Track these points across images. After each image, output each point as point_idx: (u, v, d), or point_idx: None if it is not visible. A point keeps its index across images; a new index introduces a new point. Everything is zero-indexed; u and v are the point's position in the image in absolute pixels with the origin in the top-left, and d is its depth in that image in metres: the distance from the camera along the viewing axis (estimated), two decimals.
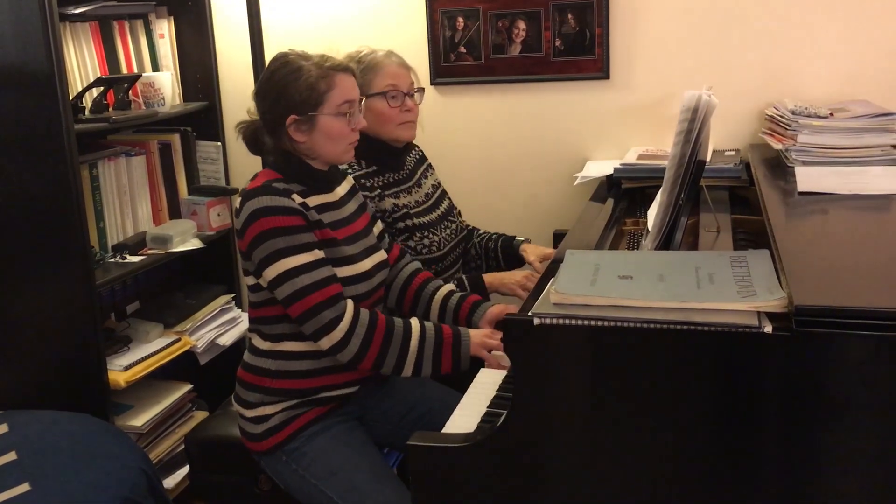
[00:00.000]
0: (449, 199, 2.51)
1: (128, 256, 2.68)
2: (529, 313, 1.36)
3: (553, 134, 2.81)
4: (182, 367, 2.90)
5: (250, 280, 1.90)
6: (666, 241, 1.71)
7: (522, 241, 2.42)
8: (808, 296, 1.26)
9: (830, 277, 1.39)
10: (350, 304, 1.82)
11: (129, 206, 2.78)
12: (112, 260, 2.67)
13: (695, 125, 1.67)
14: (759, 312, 1.30)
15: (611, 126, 2.76)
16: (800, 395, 1.28)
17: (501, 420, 1.42)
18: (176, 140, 2.98)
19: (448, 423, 1.62)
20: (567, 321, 1.35)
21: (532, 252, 2.36)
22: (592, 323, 1.34)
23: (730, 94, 2.64)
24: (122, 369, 2.56)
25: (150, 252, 2.75)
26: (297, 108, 1.86)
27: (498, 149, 2.88)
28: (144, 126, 2.91)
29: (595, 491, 1.40)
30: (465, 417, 1.63)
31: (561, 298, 1.38)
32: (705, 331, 1.29)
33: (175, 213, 2.99)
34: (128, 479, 2.06)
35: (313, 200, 1.90)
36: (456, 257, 2.41)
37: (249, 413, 1.94)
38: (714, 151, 2.65)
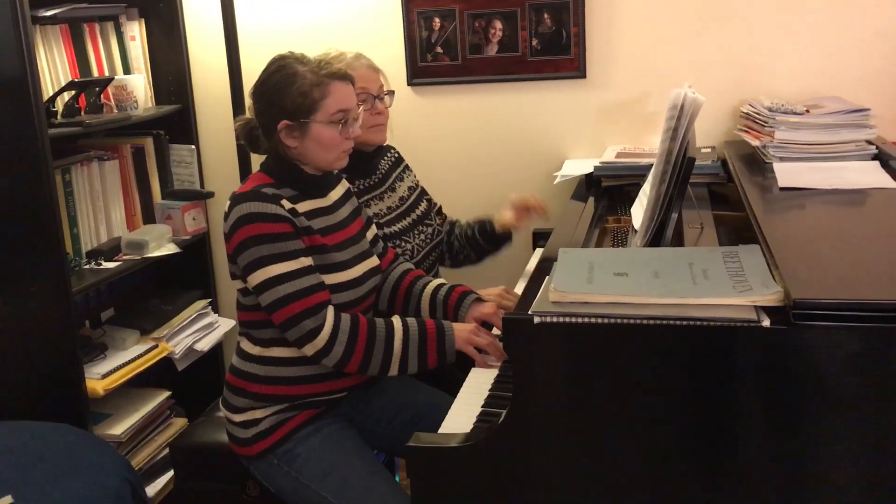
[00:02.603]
0: (427, 200, 2.49)
1: (103, 263, 2.65)
2: (529, 311, 1.36)
3: (531, 133, 2.82)
4: (159, 373, 2.87)
5: (238, 283, 1.88)
6: (655, 238, 1.72)
7: (488, 219, 2.42)
8: (804, 289, 1.28)
9: (822, 271, 1.41)
10: (331, 311, 1.81)
11: (102, 212, 2.74)
12: (87, 266, 2.63)
13: (681, 122, 1.68)
14: (755, 307, 1.32)
15: (588, 125, 2.77)
16: (798, 388, 1.29)
17: (501, 419, 1.42)
18: (149, 143, 2.94)
19: (444, 424, 1.61)
20: (567, 319, 1.35)
21: (508, 214, 2.38)
22: (592, 320, 1.34)
23: (705, 91, 2.61)
24: (99, 377, 2.52)
25: (125, 258, 2.71)
26: (289, 113, 1.84)
27: (476, 149, 2.88)
28: (117, 130, 2.87)
29: (596, 488, 1.40)
30: (461, 418, 1.62)
31: (560, 297, 1.39)
32: (704, 326, 1.30)
33: (149, 218, 2.95)
34: (112, 488, 2.03)
35: (304, 206, 1.88)
36: (432, 261, 2.40)
37: (238, 418, 1.92)
38: None
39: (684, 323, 1.31)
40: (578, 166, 2.64)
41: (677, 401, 1.35)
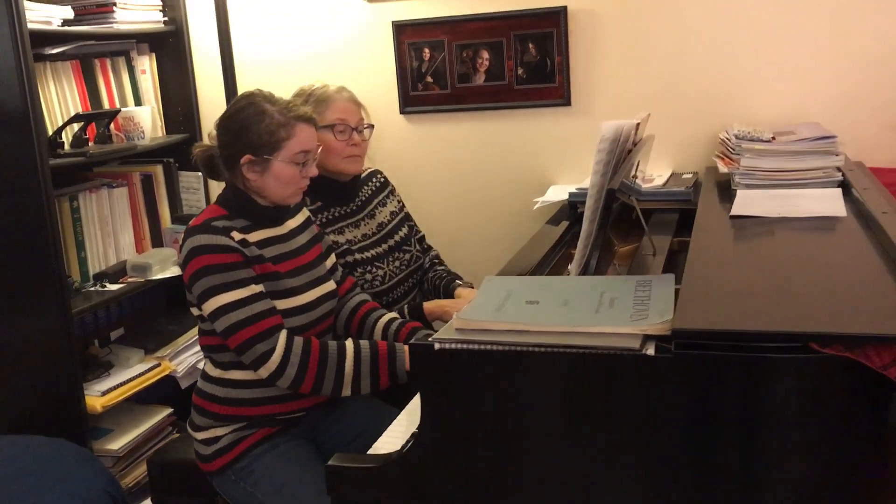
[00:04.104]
0: (409, 225, 2.56)
1: (107, 285, 2.78)
2: (430, 339, 1.42)
3: (518, 159, 2.88)
4: (165, 391, 2.99)
5: (195, 311, 1.98)
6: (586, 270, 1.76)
7: (460, 285, 2.46)
8: (686, 319, 1.31)
9: (718, 301, 1.43)
10: (283, 334, 1.89)
11: (111, 236, 2.89)
12: (93, 288, 2.77)
13: (612, 156, 1.73)
14: (645, 335, 1.36)
15: (573, 151, 2.82)
16: (681, 415, 1.32)
17: (409, 443, 1.48)
18: (158, 171, 3.08)
19: (375, 444, 1.68)
20: (465, 346, 1.41)
21: (465, 296, 2.39)
22: (488, 347, 1.40)
23: (687, 117, 2.70)
24: (99, 395, 2.65)
25: (130, 280, 2.85)
26: (254, 149, 1.93)
27: (465, 174, 2.96)
28: (130, 158, 3.02)
29: None
30: (393, 438, 1.69)
31: (463, 324, 1.45)
32: (589, 353, 1.34)
33: (157, 242, 3.09)
34: (90, 501, 2.14)
35: (256, 235, 1.97)
36: (409, 287, 2.46)
37: (200, 435, 2.02)
38: (672, 174, 2.70)
39: (571, 351, 1.35)
40: (560, 192, 2.69)
41: (566, 427, 1.39)
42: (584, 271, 1.72)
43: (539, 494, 1.42)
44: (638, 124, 1.95)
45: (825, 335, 1.24)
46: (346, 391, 1.93)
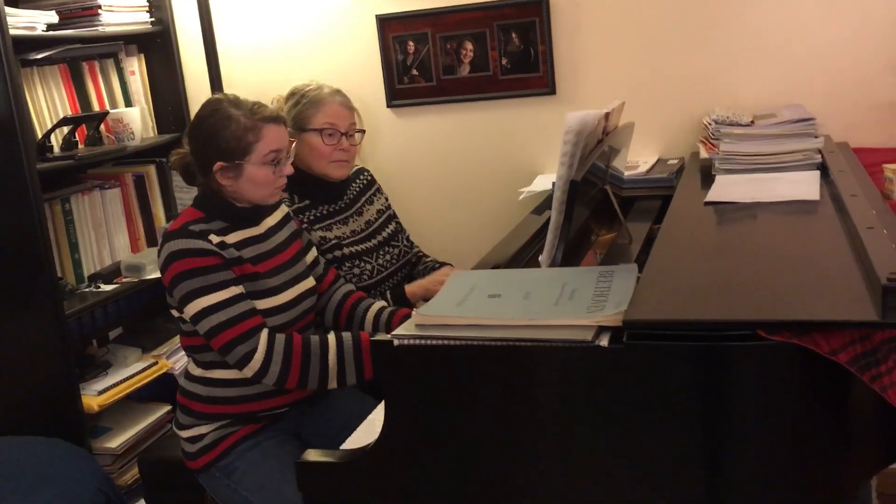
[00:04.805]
0: (396, 223, 2.58)
1: (101, 285, 2.81)
2: (389, 335, 1.44)
3: (504, 150, 2.89)
4: (164, 388, 3.02)
5: (176, 313, 2.00)
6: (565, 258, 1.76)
7: (443, 266, 2.47)
8: (638, 310, 1.32)
9: (675, 290, 1.44)
10: (264, 334, 1.90)
11: (105, 237, 2.92)
12: (87, 289, 2.80)
13: (578, 148, 1.73)
14: (600, 326, 1.36)
15: (559, 140, 2.79)
16: (641, 406, 1.33)
17: (375, 440, 1.49)
18: (151, 171, 3.11)
19: (349, 439, 1.70)
20: (424, 342, 1.42)
21: (445, 272, 2.40)
22: (445, 342, 1.40)
23: (673, 102, 2.69)
24: (96, 394, 2.68)
25: (124, 280, 2.88)
26: (223, 155, 1.93)
27: (453, 166, 2.96)
28: (123, 159, 3.05)
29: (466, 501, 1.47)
30: (366, 433, 1.70)
31: (423, 320, 1.45)
32: (546, 347, 1.35)
33: (152, 242, 3.12)
34: (83, 499, 2.18)
35: (234, 237, 1.98)
36: (397, 282, 2.48)
37: (185, 434, 2.04)
38: (659, 160, 2.70)
39: (526, 344, 1.36)
40: (545, 181, 2.69)
41: (526, 421, 1.39)
42: (552, 263, 1.72)
43: (502, 488, 1.43)
44: (608, 113, 1.94)
45: (772, 322, 1.24)
46: (333, 384, 1.94)
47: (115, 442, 2.74)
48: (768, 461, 1.33)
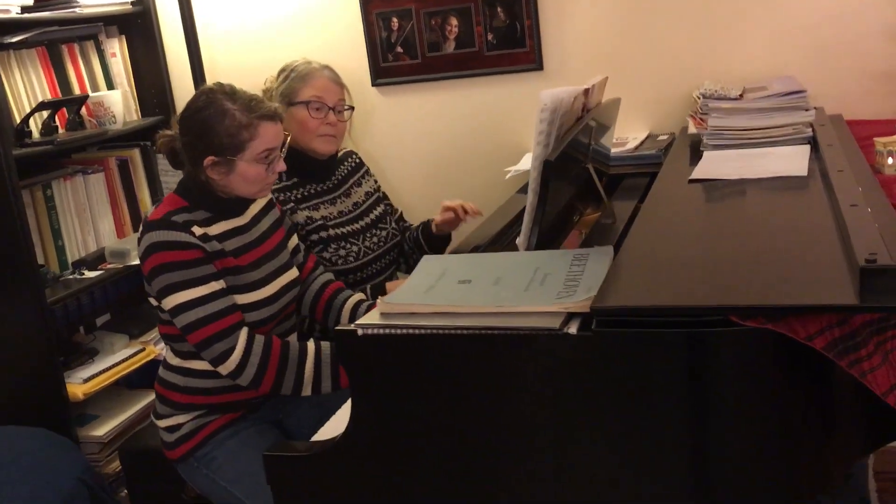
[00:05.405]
0: (386, 204, 2.54)
1: (85, 272, 2.77)
2: (352, 325, 1.39)
3: (492, 127, 2.82)
4: (154, 376, 2.97)
5: (154, 301, 1.95)
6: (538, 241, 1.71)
7: (431, 221, 2.43)
8: (606, 296, 1.27)
9: (647, 274, 1.39)
10: (243, 333, 1.85)
11: (89, 223, 2.87)
12: (71, 276, 2.76)
13: (554, 126, 1.67)
14: (568, 313, 1.31)
15: None
16: (613, 393, 1.28)
17: (342, 432, 1.45)
18: (136, 155, 3.06)
19: (321, 430, 1.66)
20: (389, 331, 1.37)
21: (440, 217, 2.36)
22: (411, 331, 1.36)
23: (663, 76, 2.63)
24: (81, 382, 2.65)
25: (109, 266, 2.84)
26: (216, 150, 1.86)
27: (439, 144, 2.90)
28: (107, 143, 3.00)
29: (436, 494, 1.42)
30: (337, 425, 1.66)
31: (388, 308, 1.41)
32: (512, 335, 1.30)
33: (139, 227, 3.07)
34: (64, 490, 2.16)
35: (217, 228, 1.92)
36: (385, 264, 2.44)
37: (163, 423, 2.01)
38: (649, 136, 2.64)
39: (492, 332, 1.31)
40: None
41: (497, 411, 1.35)
42: (540, 243, 1.67)
43: (470, 480, 1.39)
44: (587, 90, 1.88)
45: (744, 308, 1.19)
46: (307, 391, 1.89)
47: (102, 430, 2.71)
48: (747, 449, 1.29)
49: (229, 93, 1.90)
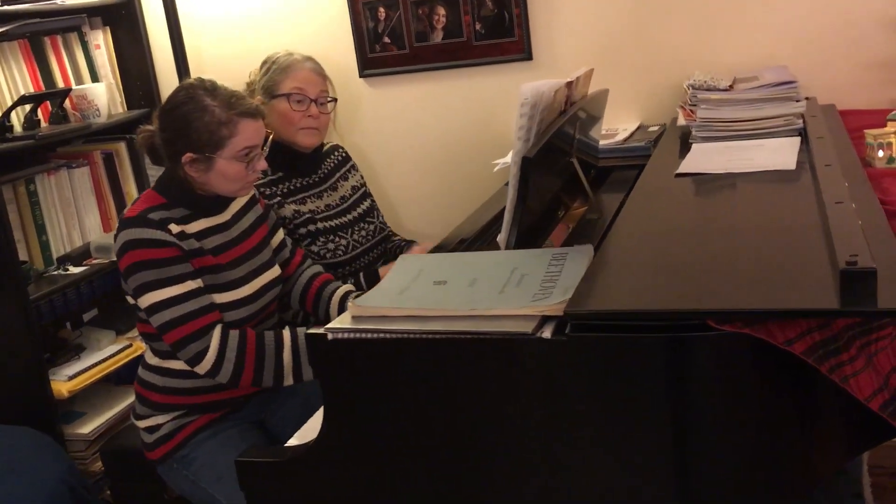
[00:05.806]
0: (371, 200, 2.51)
1: (70, 268, 2.74)
2: (323, 329, 1.36)
3: (482, 118, 2.78)
4: None
5: (131, 300, 1.92)
6: (518, 239, 1.67)
7: (410, 245, 2.40)
8: (581, 300, 1.23)
9: (624, 276, 1.35)
10: (217, 330, 1.82)
11: (75, 217, 2.84)
12: (56, 272, 2.73)
13: (533, 121, 1.63)
14: (543, 317, 1.27)
15: None
16: (590, 399, 1.24)
17: (315, 438, 1.42)
18: (121, 148, 3.02)
19: (296, 434, 1.62)
20: (358, 336, 1.34)
21: (416, 252, 2.33)
22: (380, 336, 1.32)
23: (653, 65, 2.58)
24: (66, 379, 2.62)
25: (94, 262, 2.80)
26: (194, 147, 1.83)
27: (428, 136, 2.86)
28: (93, 136, 2.96)
29: (409, 499, 1.39)
30: (312, 430, 1.62)
31: (359, 311, 1.37)
32: (484, 339, 1.26)
33: None
34: (46, 490, 2.12)
35: (196, 226, 1.89)
36: (373, 258, 2.41)
37: (142, 424, 1.98)
38: (639, 127, 2.59)
39: (463, 337, 1.27)
40: None
41: (470, 418, 1.31)
42: (519, 241, 1.63)
43: (445, 486, 1.35)
44: (571, 82, 1.84)
45: (721, 312, 1.15)
46: (289, 380, 1.86)
47: (88, 427, 2.68)
48: (728, 452, 1.25)
49: (210, 88, 1.85)
